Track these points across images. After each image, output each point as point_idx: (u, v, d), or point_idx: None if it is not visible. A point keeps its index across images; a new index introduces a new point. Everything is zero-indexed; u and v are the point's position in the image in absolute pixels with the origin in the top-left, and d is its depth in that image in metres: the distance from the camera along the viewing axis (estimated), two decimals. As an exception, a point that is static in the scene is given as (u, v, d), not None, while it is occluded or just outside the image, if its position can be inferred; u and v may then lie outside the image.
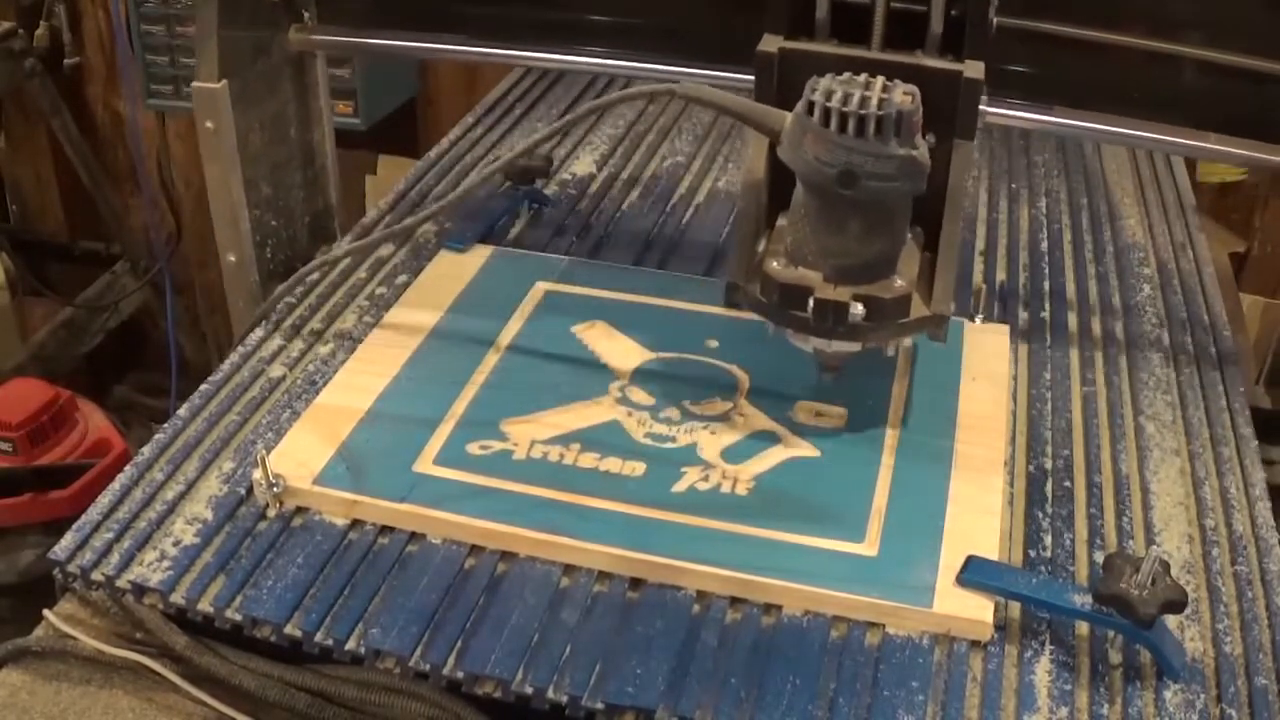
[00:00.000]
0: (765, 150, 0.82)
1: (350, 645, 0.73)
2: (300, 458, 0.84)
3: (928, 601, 0.74)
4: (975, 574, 0.75)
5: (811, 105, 0.73)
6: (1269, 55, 0.96)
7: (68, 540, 0.80)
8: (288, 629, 0.74)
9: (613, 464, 0.85)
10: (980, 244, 1.18)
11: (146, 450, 0.88)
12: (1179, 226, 1.25)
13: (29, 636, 0.78)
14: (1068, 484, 0.87)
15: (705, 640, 0.73)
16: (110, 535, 0.80)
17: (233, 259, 1.13)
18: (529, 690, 0.70)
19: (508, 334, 0.98)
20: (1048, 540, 0.82)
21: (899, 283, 0.80)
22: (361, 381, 0.92)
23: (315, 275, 1.07)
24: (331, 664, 0.74)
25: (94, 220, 2.39)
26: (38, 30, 2.18)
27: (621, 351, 0.97)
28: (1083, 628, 0.75)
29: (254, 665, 0.75)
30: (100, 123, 2.36)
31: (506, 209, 1.18)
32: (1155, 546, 0.73)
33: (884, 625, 0.75)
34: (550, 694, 0.70)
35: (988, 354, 0.97)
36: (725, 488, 0.83)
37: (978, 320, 1.02)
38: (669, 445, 0.87)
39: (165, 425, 0.90)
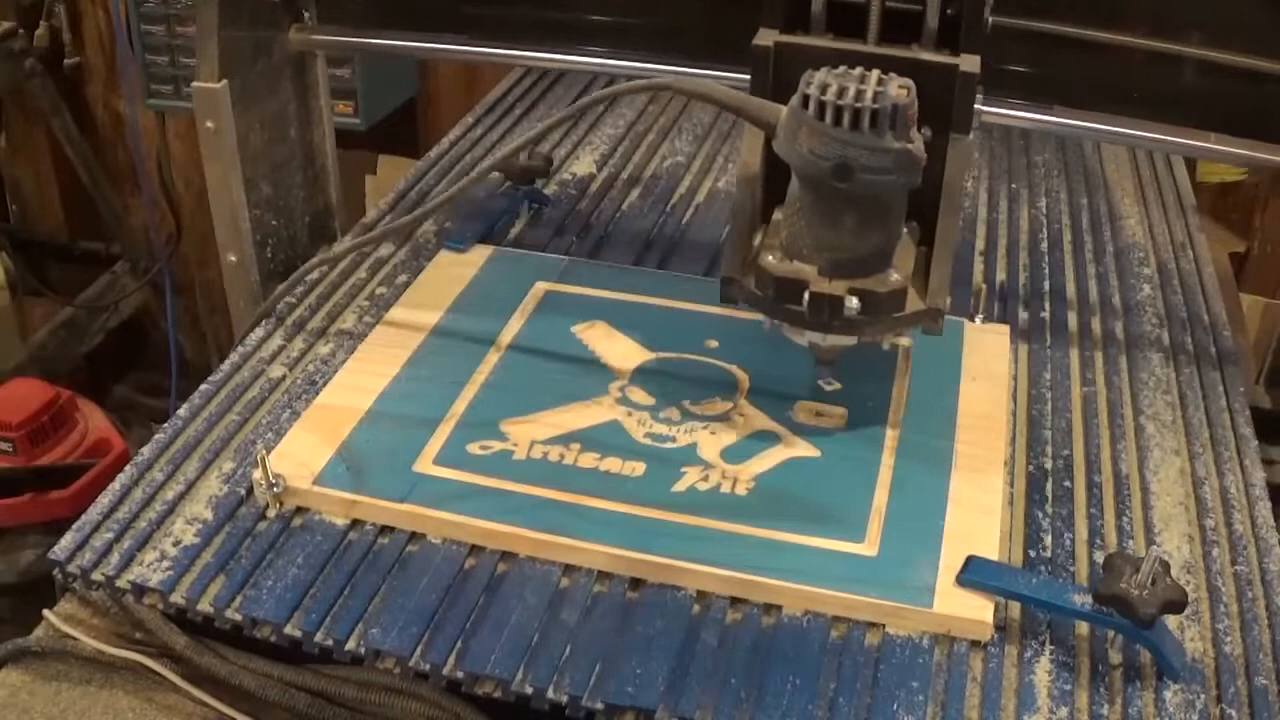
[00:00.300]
0: (761, 144, 0.82)
1: (350, 645, 0.73)
2: (300, 458, 0.84)
3: (928, 601, 0.74)
4: (975, 574, 0.75)
5: (806, 98, 0.73)
6: (1269, 55, 0.96)
7: (68, 540, 0.80)
8: (288, 629, 0.74)
9: (613, 464, 0.85)
10: (980, 244, 1.18)
11: (146, 450, 0.88)
12: (1179, 226, 1.25)
13: (29, 636, 0.78)
14: (1068, 484, 0.87)
15: (705, 640, 0.73)
16: (110, 535, 0.80)
17: (233, 259, 1.13)
18: (529, 690, 0.70)
19: (508, 334, 0.98)
20: (1048, 540, 0.82)
21: (894, 276, 0.80)
22: (361, 381, 0.92)
23: (315, 275, 1.07)
24: (331, 664, 0.74)
25: (94, 220, 2.39)
26: (38, 30, 2.18)
27: (621, 351, 0.97)
28: (1083, 628, 0.75)
29: (254, 665, 0.75)
30: (100, 123, 2.36)
31: (506, 209, 1.18)
32: (1155, 546, 0.73)
33: (884, 625, 0.75)
34: (550, 694, 0.70)
35: (988, 354, 0.97)
36: (725, 488, 0.83)
37: (978, 320, 1.02)
38: (669, 445, 0.87)
39: (165, 425, 0.90)
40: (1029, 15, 0.98)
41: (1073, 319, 1.07)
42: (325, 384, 0.93)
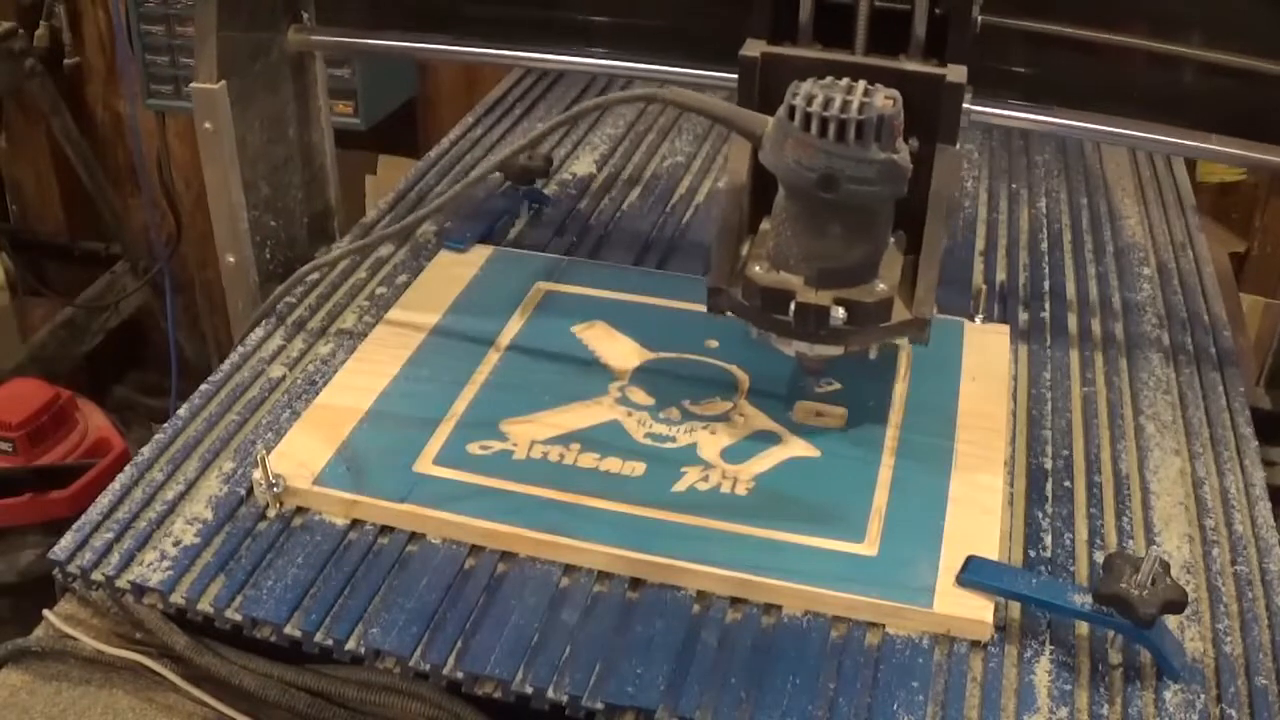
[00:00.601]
0: (748, 154, 0.82)
1: (350, 645, 0.73)
2: (300, 458, 0.84)
3: (928, 601, 0.74)
4: (975, 574, 0.75)
5: (793, 109, 0.73)
6: (1267, 56, 0.96)
7: (68, 540, 0.80)
8: (288, 629, 0.74)
9: (613, 464, 0.85)
10: (980, 244, 1.18)
11: (146, 450, 0.88)
12: (1179, 226, 1.25)
13: (29, 636, 0.78)
14: (1068, 484, 0.87)
15: (705, 640, 0.73)
16: (110, 535, 0.80)
17: (232, 260, 1.13)
18: (529, 690, 0.70)
19: (508, 334, 0.98)
20: (1048, 540, 0.82)
21: (880, 286, 0.80)
22: (361, 381, 0.92)
23: (315, 275, 1.07)
24: (331, 664, 0.74)
25: (94, 220, 2.39)
26: (38, 30, 2.18)
27: (621, 351, 0.97)
28: (1083, 628, 0.75)
29: (254, 665, 0.75)
30: (100, 123, 2.36)
31: (506, 209, 1.18)
32: (1155, 546, 0.73)
33: (884, 625, 0.75)
34: (550, 694, 0.70)
35: (988, 354, 0.97)
36: (725, 488, 0.83)
37: (978, 320, 1.02)
38: (669, 445, 0.87)
39: (165, 425, 0.90)
40: (1028, 16, 0.98)
41: (1073, 319, 1.07)
42: (325, 384, 0.93)
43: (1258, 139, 0.98)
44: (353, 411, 0.89)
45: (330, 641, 0.73)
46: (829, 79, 0.75)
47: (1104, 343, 1.04)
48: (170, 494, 0.83)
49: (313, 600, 0.75)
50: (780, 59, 0.81)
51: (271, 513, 0.82)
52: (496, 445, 0.86)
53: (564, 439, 0.87)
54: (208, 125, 1.07)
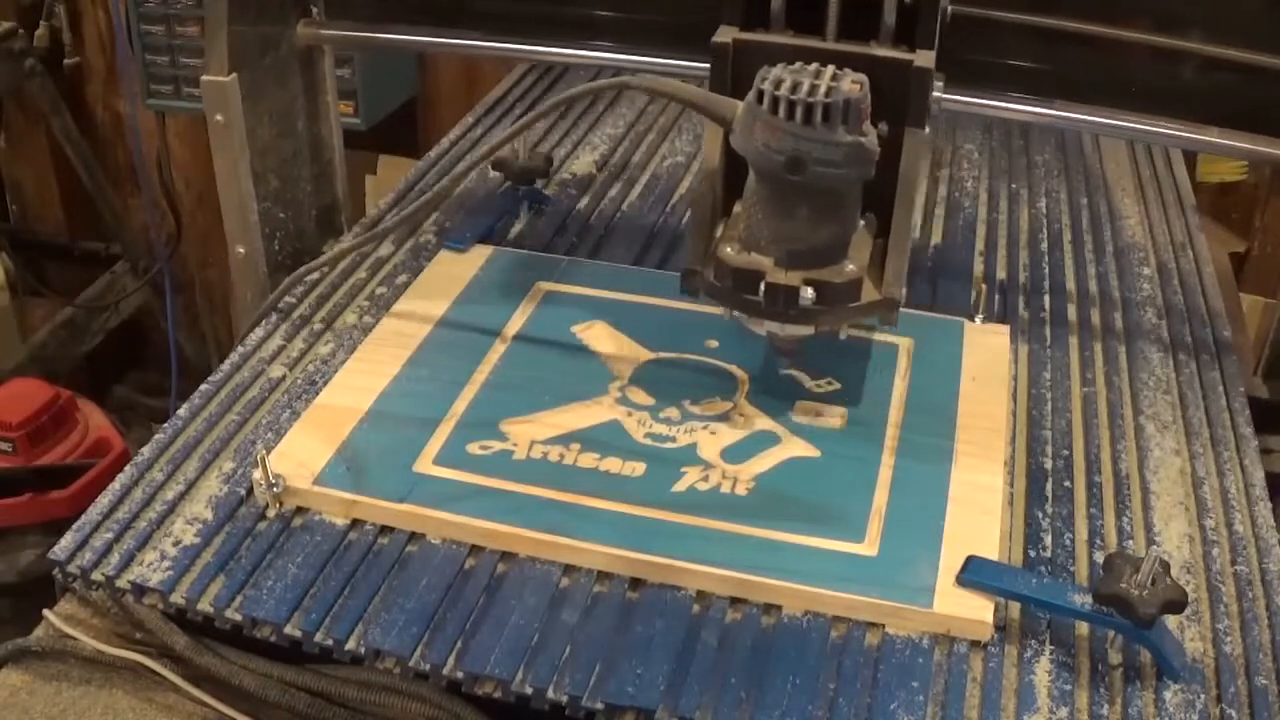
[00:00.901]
0: (721, 139, 0.83)
1: (350, 645, 0.73)
2: (300, 458, 0.84)
3: (928, 602, 0.74)
4: (975, 574, 0.75)
5: (761, 94, 0.74)
6: (1269, 50, 0.96)
7: (68, 540, 0.80)
8: (288, 629, 0.74)
9: (613, 464, 0.85)
10: (980, 244, 1.18)
11: (146, 450, 0.88)
12: (1179, 226, 1.26)
13: (29, 636, 0.78)
14: (1068, 484, 0.87)
15: (705, 640, 0.73)
16: (110, 535, 0.80)
17: (241, 251, 1.13)
18: (529, 690, 0.70)
19: (508, 334, 0.98)
20: (1048, 540, 0.82)
21: (850, 267, 0.81)
22: (361, 381, 0.92)
23: (315, 275, 1.07)
24: (331, 664, 0.74)
25: (94, 220, 2.39)
26: (38, 30, 2.18)
27: (621, 351, 0.97)
28: (1083, 628, 0.75)
29: (254, 665, 0.75)
30: (100, 123, 2.36)
31: (506, 209, 1.18)
32: (1155, 546, 0.73)
33: (884, 625, 0.75)
34: (550, 694, 0.70)
35: (988, 354, 0.97)
36: (725, 488, 0.83)
37: (978, 320, 1.02)
38: (669, 445, 0.87)
39: (165, 425, 0.90)
40: (1030, 10, 0.99)
41: (1073, 318, 1.07)
42: (325, 384, 0.93)
43: (1258, 133, 0.98)
44: (353, 411, 0.89)
45: (330, 641, 0.73)
46: (798, 64, 0.76)
47: (1104, 342, 1.04)
48: (170, 494, 0.83)
49: (313, 600, 0.75)
50: (752, 45, 0.82)
51: (271, 513, 0.82)
52: (496, 445, 0.86)
53: (564, 439, 0.87)
54: (219, 118, 1.07)
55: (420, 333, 0.98)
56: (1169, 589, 0.71)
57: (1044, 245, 1.18)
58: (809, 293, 0.79)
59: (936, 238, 1.19)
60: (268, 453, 0.81)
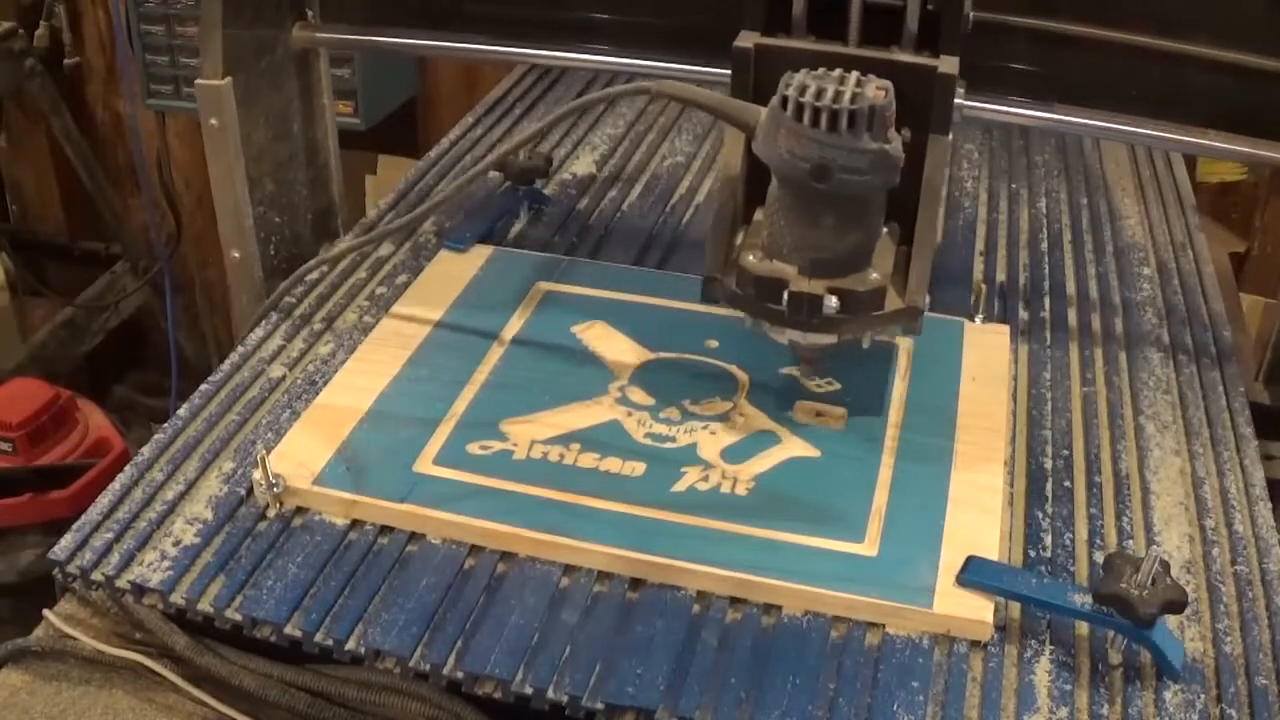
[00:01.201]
0: (742, 145, 0.83)
1: (350, 645, 0.73)
2: (300, 458, 0.84)
3: (928, 602, 0.74)
4: (975, 574, 0.75)
5: (785, 100, 0.74)
6: (1268, 53, 0.96)
7: (68, 540, 0.80)
8: (288, 629, 0.74)
9: (613, 464, 0.85)
10: (980, 244, 1.18)
11: (146, 450, 0.88)
12: (1179, 226, 1.26)
13: (29, 636, 0.78)
14: (1068, 484, 0.87)
15: (705, 640, 0.73)
16: (110, 535, 0.80)
17: (236, 255, 1.13)
18: (529, 690, 0.70)
19: (508, 334, 0.98)
20: (1048, 540, 0.82)
21: (873, 275, 0.81)
22: (361, 381, 0.92)
23: (315, 275, 1.08)
24: (331, 664, 0.74)
25: (94, 220, 2.39)
26: (38, 30, 2.18)
27: (621, 351, 0.97)
28: (1083, 628, 0.75)
29: (254, 665, 0.75)
30: (100, 123, 2.36)
31: (506, 209, 1.18)
32: (1155, 546, 0.73)
33: (884, 625, 0.75)
34: (550, 694, 0.70)
35: (988, 354, 0.97)
36: (725, 488, 0.83)
37: (978, 320, 1.02)
38: (669, 445, 0.87)
39: (165, 425, 0.90)
40: (1029, 13, 0.99)
41: (1073, 318, 1.07)
42: (325, 384, 0.93)
43: (1257, 136, 0.98)
44: (353, 411, 0.89)
45: (330, 641, 0.73)
46: (821, 70, 0.76)
47: (1104, 342, 1.04)
48: (170, 494, 0.83)
49: (313, 600, 0.75)
50: (774, 50, 0.81)
51: (271, 513, 0.82)
52: (496, 445, 0.86)
53: (564, 439, 0.87)
54: (213, 121, 1.07)
55: (420, 333, 0.98)
56: (1169, 589, 0.71)
57: (1044, 245, 1.18)
58: (833, 301, 0.78)
59: (937, 238, 1.19)
60: (268, 453, 0.81)
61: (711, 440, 0.87)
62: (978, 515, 0.81)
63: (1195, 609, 0.77)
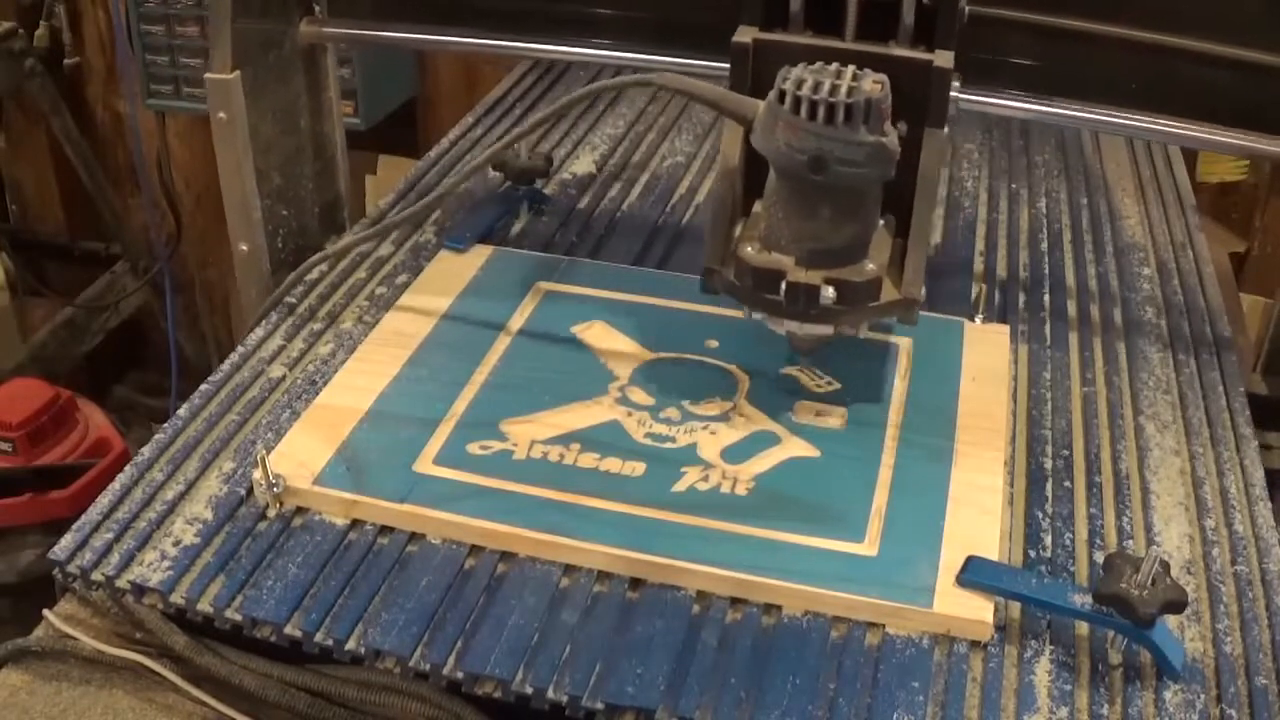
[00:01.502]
0: (740, 138, 0.83)
1: (350, 645, 0.73)
2: (300, 458, 0.84)
3: (928, 602, 0.74)
4: (975, 574, 0.75)
5: (783, 93, 0.75)
6: (1267, 48, 0.96)
7: (68, 540, 0.80)
8: (288, 629, 0.74)
9: (613, 464, 0.85)
10: (980, 244, 1.18)
11: (146, 450, 0.88)
12: (1179, 226, 1.26)
13: (29, 636, 0.78)
14: (1068, 484, 0.87)
15: (705, 640, 0.73)
16: (110, 535, 0.80)
17: (244, 249, 1.13)
18: (529, 690, 0.70)
19: (508, 334, 0.98)
20: (1048, 540, 0.82)
21: (870, 266, 0.81)
22: (361, 381, 0.92)
23: (315, 275, 1.08)
24: (331, 664, 0.74)
25: (94, 220, 2.39)
26: (38, 30, 2.18)
27: (621, 351, 0.97)
28: (1083, 628, 0.75)
29: (254, 665, 0.75)
30: (100, 123, 2.36)
31: (506, 209, 1.18)
32: (1155, 546, 0.73)
33: (884, 625, 0.75)
34: (550, 694, 0.70)
35: (988, 354, 0.97)
36: (725, 488, 0.83)
37: (978, 320, 1.02)
38: (669, 445, 0.87)
39: (165, 425, 0.90)
40: (1028, 8, 0.99)
41: (1073, 318, 1.07)
42: (325, 384, 0.93)
43: (1257, 130, 0.98)
44: (353, 411, 0.89)
45: (330, 641, 0.73)
46: (819, 64, 0.77)
47: (1104, 342, 1.04)
48: (170, 494, 0.83)
49: (313, 600, 0.75)
50: (772, 45, 0.82)
51: (271, 513, 0.82)
52: (496, 445, 0.86)
53: (564, 439, 0.87)
54: (222, 115, 1.07)
55: (420, 333, 0.98)
56: (1169, 589, 0.71)
57: (1044, 245, 1.18)
58: (830, 292, 0.79)
59: (936, 237, 1.19)
60: (268, 453, 0.81)
61: (711, 440, 0.87)
62: (978, 515, 0.81)
63: (1195, 609, 0.77)
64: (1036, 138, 1.40)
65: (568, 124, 1.39)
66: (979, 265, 1.15)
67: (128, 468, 0.86)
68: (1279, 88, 0.96)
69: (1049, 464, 0.89)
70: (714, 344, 0.97)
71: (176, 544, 0.79)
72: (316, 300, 1.05)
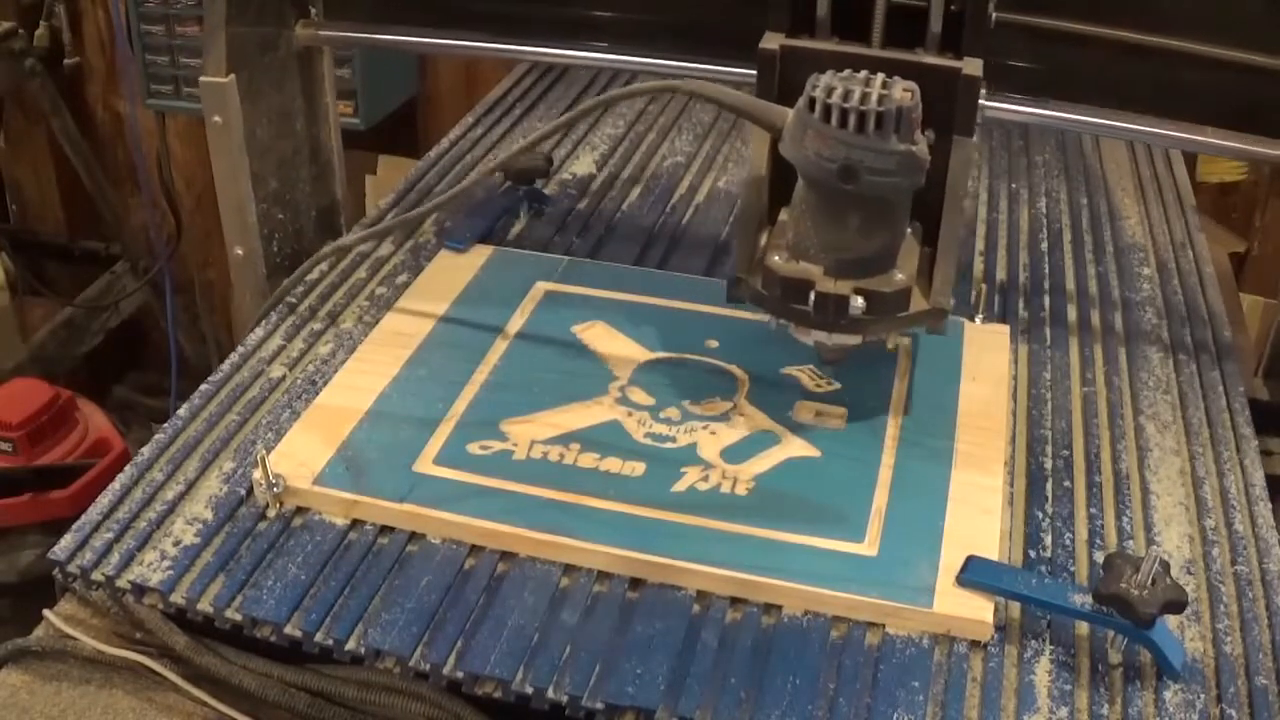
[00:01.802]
0: (767, 146, 0.83)
1: (350, 645, 0.73)
2: (300, 458, 0.84)
3: (928, 601, 0.74)
4: (975, 574, 0.75)
5: (813, 101, 0.74)
6: (1268, 50, 0.96)
7: (68, 540, 0.80)
8: (288, 629, 0.74)
9: (613, 464, 0.85)
10: (980, 244, 1.18)
11: (146, 450, 0.88)
12: (1179, 226, 1.26)
13: (29, 636, 0.78)
14: (1068, 484, 0.87)
15: (705, 640, 0.73)
16: (110, 535, 0.80)
17: (240, 252, 1.13)
18: (529, 690, 0.70)
19: (508, 334, 0.98)
20: (1048, 540, 0.82)
21: (899, 276, 0.81)
22: (361, 381, 0.92)
23: (316, 275, 1.08)
24: (331, 664, 0.74)
25: (94, 220, 2.39)
26: (38, 30, 2.18)
27: (621, 351, 0.97)
28: (1083, 628, 0.75)
29: (254, 665, 0.75)
30: (100, 123, 2.36)
31: (506, 209, 1.18)
32: (1155, 546, 0.73)
33: (884, 625, 0.75)
34: (550, 694, 0.70)
35: (988, 354, 0.97)
36: (725, 488, 0.83)
37: (978, 320, 1.02)
38: (669, 445, 0.87)
39: (165, 425, 0.90)
40: (1029, 11, 0.99)
41: (1073, 318, 1.07)
42: (325, 384, 0.93)
43: (1257, 133, 0.98)
44: (353, 411, 0.89)
45: (330, 641, 0.73)
46: (847, 71, 0.76)
47: (1104, 342, 1.04)
48: (170, 494, 0.83)
49: (313, 600, 0.75)
50: (799, 52, 0.82)
51: (271, 513, 0.82)
52: (496, 445, 0.86)
53: (564, 439, 0.87)
54: (217, 119, 1.07)
55: (420, 333, 0.98)
56: (1169, 589, 0.71)
57: (1044, 245, 1.18)
58: (859, 302, 0.79)
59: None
60: (268, 453, 0.81)
61: (711, 440, 0.87)
62: (978, 515, 0.81)
63: (1195, 609, 0.77)
64: (1036, 138, 1.40)
65: (570, 124, 1.39)
66: (979, 265, 1.15)
67: (128, 468, 0.86)
68: (1278, 90, 0.96)
69: (1049, 464, 0.89)
70: (714, 344, 0.97)
71: (176, 544, 0.79)
72: (317, 300, 1.05)
